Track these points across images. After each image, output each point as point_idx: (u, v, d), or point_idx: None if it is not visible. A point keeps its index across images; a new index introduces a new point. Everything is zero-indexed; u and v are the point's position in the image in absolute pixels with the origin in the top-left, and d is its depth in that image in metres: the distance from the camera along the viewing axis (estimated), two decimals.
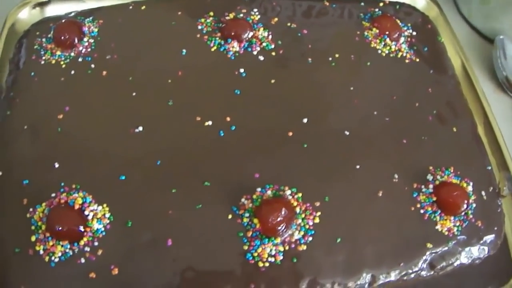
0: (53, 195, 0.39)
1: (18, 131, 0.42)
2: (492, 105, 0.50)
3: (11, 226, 0.38)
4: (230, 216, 0.39)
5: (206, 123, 0.42)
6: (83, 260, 0.37)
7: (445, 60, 0.51)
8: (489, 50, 0.59)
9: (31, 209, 0.38)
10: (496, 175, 0.46)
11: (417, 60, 0.50)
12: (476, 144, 0.47)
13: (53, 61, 0.45)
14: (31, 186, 0.39)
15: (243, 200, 0.39)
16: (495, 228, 0.43)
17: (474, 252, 0.42)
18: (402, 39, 0.50)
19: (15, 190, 0.39)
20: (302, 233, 0.38)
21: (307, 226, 0.39)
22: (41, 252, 0.37)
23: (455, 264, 0.41)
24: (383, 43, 0.49)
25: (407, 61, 0.49)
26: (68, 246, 0.37)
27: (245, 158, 0.41)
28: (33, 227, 0.37)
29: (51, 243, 0.37)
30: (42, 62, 0.45)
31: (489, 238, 0.42)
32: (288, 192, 0.40)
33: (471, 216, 0.42)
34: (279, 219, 0.37)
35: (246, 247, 0.38)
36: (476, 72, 0.53)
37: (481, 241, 0.42)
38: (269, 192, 0.39)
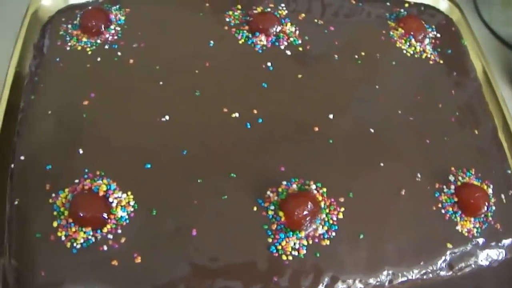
0: (76, 181, 0.38)
1: (42, 116, 0.41)
2: (511, 110, 0.51)
3: (32, 211, 0.38)
4: (255, 208, 0.38)
5: (233, 115, 0.42)
6: (105, 248, 0.36)
7: (468, 63, 0.51)
8: (509, 56, 0.59)
9: (53, 195, 0.38)
10: None
11: (441, 62, 0.50)
12: (497, 148, 0.47)
13: (79, 48, 0.45)
14: (54, 171, 0.39)
15: (268, 192, 0.39)
16: None
17: (492, 255, 0.42)
18: (426, 41, 0.50)
19: (38, 175, 0.39)
20: (326, 228, 0.38)
21: (331, 221, 0.39)
22: (63, 238, 0.36)
23: (473, 266, 0.41)
24: (408, 43, 0.50)
25: (431, 62, 0.49)
26: (91, 233, 0.36)
27: (271, 151, 0.41)
28: (55, 213, 0.37)
29: (73, 230, 0.36)
30: (68, 48, 0.45)
31: (507, 241, 0.42)
32: (313, 186, 0.40)
33: (490, 219, 0.42)
34: (304, 213, 0.37)
35: (270, 240, 0.37)
36: (496, 77, 0.53)
37: (499, 244, 0.42)
38: (294, 185, 0.39)
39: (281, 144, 0.41)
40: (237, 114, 0.42)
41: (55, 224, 0.37)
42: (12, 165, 0.40)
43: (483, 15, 0.63)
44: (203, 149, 0.41)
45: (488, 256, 0.42)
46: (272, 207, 0.38)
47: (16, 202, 0.38)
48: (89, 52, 0.45)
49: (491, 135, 0.47)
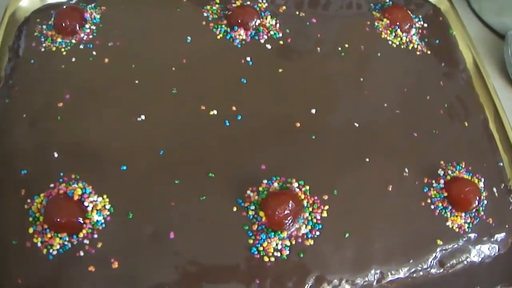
0: (51, 185, 0.37)
1: (17, 120, 0.41)
2: (502, 101, 0.49)
3: (8, 217, 0.37)
4: (235, 209, 0.37)
5: (211, 112, 0.41)
6: (82, 253, 0.35)
7: (457, 54, 0.50)
8: (500, 46, 0.58)
9: (29, 200, 0.37)
10: (508, 172, 0.45)
11: (429, 52, 0.49)
12: (488, 140, 0.46)
13: (54, 48, 0.44)
14: (29, 177, 0.38)
15: (248, 192, 0.38)
16: (507, 226, 0.42)
17: (485, 250, 0.41)
18: (413, 31, 0.49)
19: (13, 180, 0.38)
20: (309, 227, 0.37)
21: (314, 220, 0.38)
22: (39, 244, 0.35)
23: (465, 262, 0.40)
24: (393, 34, 0.48)
25: (418, 53, 0.48)
26: (67, 239, 0.36)
27: (251, 149, 0.40)
28: (30, 219, 0.36)
29: (49, 235, 0.36)
30: (42, 49, 0.44)
31: (500, 236, 0.41)
32: (296, 184, 0.38)
33: (482, 213, 0.41)
34: (286, 212, 0.36)
35: (251, 241, 0.36)
36: (487, 68, 0.52)
37: (492, 239, 0.41)
38: (275, 184, 0.38)
39: (262, 141, 0.40)
40: (215, 112, 0.41)
41: (31, 230, 0.36)
42: None
43: (472, 5, 0.61)
44: (180, 149, 0.40)
45: (480, 251, 0.40)
46: (253, 207, 0.37)
47: None
48: (64, 53, 0.44)
49: (482, 127, 0.46)
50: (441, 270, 0.39)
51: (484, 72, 0.51)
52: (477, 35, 0.57)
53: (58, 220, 0.36)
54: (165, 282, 0.35)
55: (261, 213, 0.37)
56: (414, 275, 0.38)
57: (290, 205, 0.36)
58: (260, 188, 0.38)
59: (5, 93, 0.42)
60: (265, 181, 0.38)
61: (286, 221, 0.36)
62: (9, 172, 0.39)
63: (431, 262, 0.39)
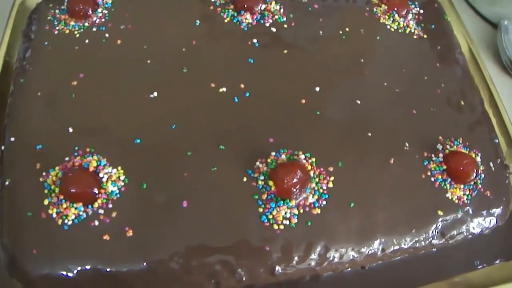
0: (66, 159, 0.38)
1: (32, 98, 0.42)
2: (497, 87, 0.51)
3: (23, 190, 0.38)
4: (245, 179, 0.39)
5: (221, 89, 0.43)
6: (97, 223, 0.36)
7: (452, 38, 0.52)
8: (493, 35, 0.60)
9: (44, 173, 0.38)
10: (505, 153, 0.46)
11: (425, 36, 0.51)
12: (484, 118, 0.47)
13: (67, 31, 0.45)
14: (44, 151, 0.39)
15: (257, 163, 0.39)
16: (504, 199, 0.43)
17: (483, 222, 0.42)
18: (410, 16, 0.51)
19: (28, 155, 0.39)
20: (316, 197, 0.39)
21: (321, 190, 0.39)
22: (54, 215, 0.36)
23: (465, 233, 0.41)
24: (391, 19, 0.50)
25: (415, 37, 0.50)
26: (82, 209, 0.37)
27: (259, 123, 0.41)
28: (46, 191, 0.37)
29: (64, 206, 0.36)
30: (56, 32, 0.46)
31: (497, 208, 0.43)
32: (302, 156, 0.40)
33: (480, 186, 0.43)
34: (294, 180, 0.38)
35: (261, 210, 0.38)
36: (481, 56, 0.54)
37: (490, 211, 0.42)
38: (283, 156, 0.40)
39: (269, 117, 0.42)
40: (224, 89, 0.43)
41: (46, 202, 0.37)
42: (3, 147, 0.40)
43: None
44: (191, 123, 0.41)
45: (479, 223, 0.42)
46: (262, 177, 0.39)
47: (7, 183, 0.38)
48: (77, 35, 0.45)
49: (478, 106, 0.48)
50: (442, 241, 0.41)
51: (479, 59, 0.53)
52: (470, 24, 0.59)
53: (74, 190, 0.36)
54: (178, 248, 0.36)
55: (270, 183, 0.38)
56: (417, 245, 0.40)
57: (298, 174, 0.38)
58: (269, 160, 0.39)
59: (20, 74, 0.44)
60: (273, 153, 0.40)
61: (294, 189, 0.38)
62: (25, 148, 0.39)
63: (432, 232, 0.40)
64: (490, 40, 0.60)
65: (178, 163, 0.39)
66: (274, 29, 0.47)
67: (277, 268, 0.37)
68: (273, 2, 0.49)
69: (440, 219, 0.40)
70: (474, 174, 0.42)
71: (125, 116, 0.41)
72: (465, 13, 0.61)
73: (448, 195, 0.41)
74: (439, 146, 0.43)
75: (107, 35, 0.45)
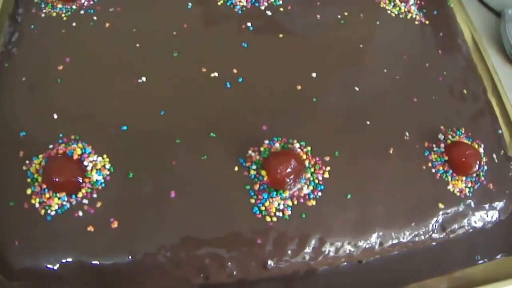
0: (50, 146, 0.37)
1: (16, 83, 0.40)
2: (500, 78, 0.49)
3: (5, 179, 0.36)
4: (236, 168, 0.37)
5: (212, 75, 0.41)
6: (80, 213, 0.35)
7: (455, 25, 0.51)
8: (496, 23, 0.58)
9: (27, 161, 0.36)
10: (508, 143, 0.45)
11: (427, 22, 0.49)
12: (487, 108, 0.46)
13: (54, 14, 0.44)
14: (28, 138, 0.38)
15: (250, 152, 0.38)
16: (507, 192, 0.42)
17: (485, 216, 0.40)
18: (411, 1, 0.49)
19: (11, 142, 0.38)
20: (311, 187, 0.37)
21: (316, 181, 0.37)
22: (37, 205, 0.35)
23: (466, 227, 0.40)
24: (392, 3, 0.49)
25: (416, 22, 0.49)
26: (65, 199, 0.35)
27: (253, 110, 0.40)
28: (29, 180, 0.36)
29: (47, 196, 0.35)
30: (43, 15, 0.44)
31: (500, 201, 0.41)
32: (297, 145, 0.38)
33: (482, 178, 0.41)
34: (288, 170, 0.36)
35: (253, 201, 0.36)
36: (485, 45, 0.52)
37: (493, 204, 0.41)
38: (277, 144, 0.38)
39: (263, 103, 0.40)
40: (216, 74, 0.41)
41: (28, 191, 0.35)
42: None
43: None
44: (181, 109, 0.39)
45: (481, 217, 0.40)
46: (254, 167, 0.37)
47: None
48: (64, 18, 0.44)
49: (481, 95, 0.46)
50: (443, 235, 0.39)
51: (482, 49, 0.51)
52: (473, 13, 0.57)
53: (57, 179, 0.35)
54: (165, 241, 0.35)
55: (263, 172, 0.36)
56: (416, 238, 0.38)
57: (292, 164, 0.36)
58: (262, 148, 0.38)
59: (5, 58, 0.42)
60: (266, 142, 0.38)
61: (288, 180, 0.36)
62: (7, 135, 0.38)
63: (433, 225, 0.39)
64: (494, 29, 0.58)
65: (167, 151, 0.37)
66: (269, 12, 0.46)
67: (269, 262, 0.35)
68: None
69: (440, 212, 0.39)
70: (477, 166, 0.40)
71: (112, 102, 0.39)
72: (468, 0, 0.59)
73: (450, 187, 0.40)
74: (441, 136, 0.42)
75: (95, 18, 0.44)
